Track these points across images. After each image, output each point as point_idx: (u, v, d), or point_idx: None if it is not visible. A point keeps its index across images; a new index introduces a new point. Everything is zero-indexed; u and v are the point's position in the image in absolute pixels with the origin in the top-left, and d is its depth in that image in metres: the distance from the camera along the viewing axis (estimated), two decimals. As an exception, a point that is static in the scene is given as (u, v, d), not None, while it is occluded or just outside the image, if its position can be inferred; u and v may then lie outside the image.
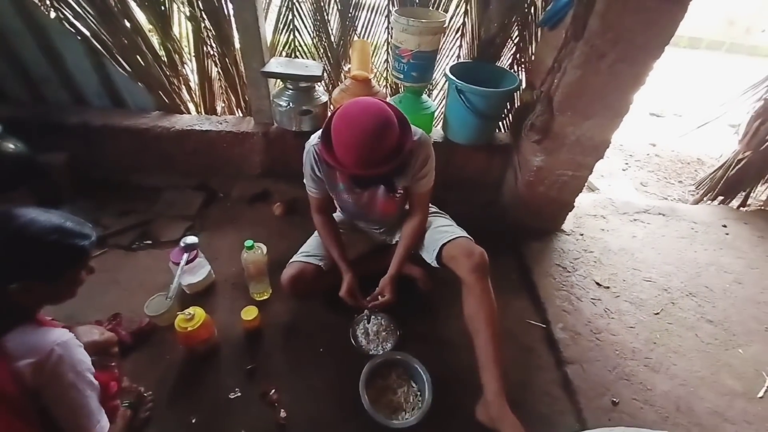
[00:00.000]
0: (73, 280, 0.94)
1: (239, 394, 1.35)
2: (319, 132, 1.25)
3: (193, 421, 1.27)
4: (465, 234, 1.45)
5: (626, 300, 1.80)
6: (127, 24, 1.92)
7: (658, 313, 1.75)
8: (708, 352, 1.62)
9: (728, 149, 2.65)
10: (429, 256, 1.46)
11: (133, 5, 1.90)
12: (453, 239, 1.40)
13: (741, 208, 2.56)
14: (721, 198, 2.64)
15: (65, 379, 0.84)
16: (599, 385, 1.46)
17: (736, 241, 2.20)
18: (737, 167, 2.49)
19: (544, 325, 1.68)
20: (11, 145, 1.74)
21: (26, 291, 0.83)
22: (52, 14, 1.89)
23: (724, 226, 2.31)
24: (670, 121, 4.23)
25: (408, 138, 1.19)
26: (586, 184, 1.95)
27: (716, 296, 1.86)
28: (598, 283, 1.86)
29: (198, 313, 1.35)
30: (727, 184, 2.57)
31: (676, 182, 3.15)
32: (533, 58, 2.03)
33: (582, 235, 2.12)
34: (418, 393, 1.36)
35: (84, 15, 1.88)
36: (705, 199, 2.70)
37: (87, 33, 1.92)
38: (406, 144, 1.17)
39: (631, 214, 2.32)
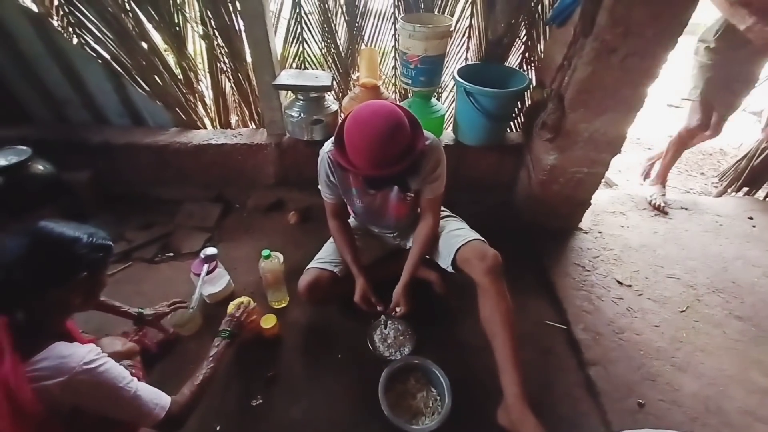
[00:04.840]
0: (90, 288, 0.95)
1: (261, 401, 1.37)
2: (333, 138, 1.27)
3: (218, 428, 1.30)
4: (478, 236, 1.44)
5: (649, 298, 1.75)
6: (144, 45, 2.01)
7: (683, 311, 1.70)
8: (737, 350, 1.56)
9: (751, 138, 2.56)
10: (444, 262, 1.46)
11: (149, 27, 1.98)
12: (466, 242, 1.40)
13: (767, 199, 2.47)
14: (745, 189, 2.55)
15: (103, 389, 0.86)
16: (624, 387, 1.43)
17: (764, 234, 2.12)
18: (761, 156, 2.41)
19: (564, 327, 1.65)
20: (40, 167, 1.82)
21: (46, 300, 0.85)
22: (75, 40, 1.98)
23: (750, 218, 2.23)
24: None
25: (419, 138, 1.20)
26: (603, 180, 1.92)
27: (744, 291, 1.79)
28: (619, 282, 1.82)
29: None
30: (752, 175, 2.49)
31: (698, 174, 3.06)
32: (542, 56, 2.01)
33: (600, 232, 2.08)
34: (438, 398, 1.36)
35: (104, 39, 1.97)
36: (729, 191, 2.61)
37: (107, 56, 2.02)
38: (417, 143, 1.18)
39: (652, 209, 2.26)
